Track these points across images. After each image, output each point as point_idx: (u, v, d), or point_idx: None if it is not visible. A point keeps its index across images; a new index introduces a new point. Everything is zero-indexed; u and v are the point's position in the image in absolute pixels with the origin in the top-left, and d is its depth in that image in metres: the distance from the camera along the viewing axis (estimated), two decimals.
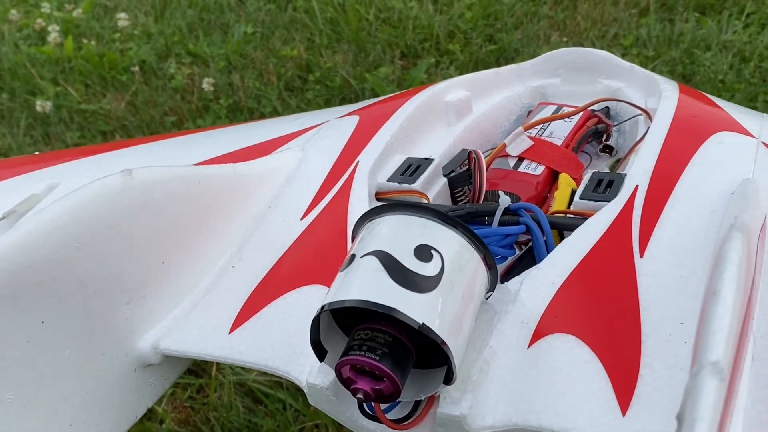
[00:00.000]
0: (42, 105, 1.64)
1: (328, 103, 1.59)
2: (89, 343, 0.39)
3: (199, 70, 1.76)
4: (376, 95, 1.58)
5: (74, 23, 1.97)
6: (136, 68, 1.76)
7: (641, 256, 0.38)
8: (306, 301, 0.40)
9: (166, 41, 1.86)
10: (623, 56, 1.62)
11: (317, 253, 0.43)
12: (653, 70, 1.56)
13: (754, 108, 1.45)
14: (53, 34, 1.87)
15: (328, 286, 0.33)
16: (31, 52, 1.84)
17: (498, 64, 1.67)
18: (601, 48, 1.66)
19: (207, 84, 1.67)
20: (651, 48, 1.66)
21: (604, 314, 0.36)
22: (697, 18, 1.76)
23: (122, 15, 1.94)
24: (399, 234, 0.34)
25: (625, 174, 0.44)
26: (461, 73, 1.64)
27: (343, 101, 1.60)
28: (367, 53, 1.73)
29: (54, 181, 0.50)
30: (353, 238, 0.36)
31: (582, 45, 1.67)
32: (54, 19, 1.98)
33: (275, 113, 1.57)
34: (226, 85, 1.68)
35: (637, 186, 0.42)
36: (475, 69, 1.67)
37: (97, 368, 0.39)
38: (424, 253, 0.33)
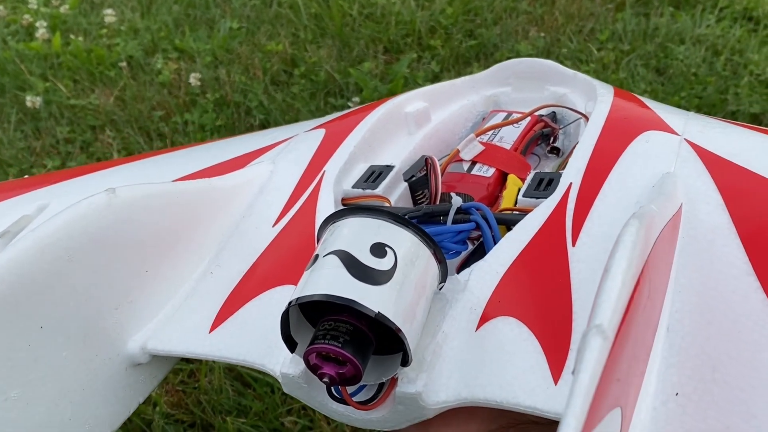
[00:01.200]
0: (32, 100, 1.65)
1: (313, 97, 1.61)
2: (84, 345, 0.42)
3: (185, 65, 1.77)
4: (360, 89, 1.61)
5: (61, 19, 1.98)
6: (124, 64, 1.77)
7: (573, 245, 0.42)
8: (278, 300, 0.44)
9: (152, 37, 1.87)
10: (599, 51, 1.66)
11: (288, 256, 0.47)
12: (628, 64, 1.61)
13: (725, 100, 1.49)
14: (41, 30, 1.87)
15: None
16: (20, 47, 1.84)
17: (478, 59, 1.71)
18: (578, 43, 1.69)
19: (194, 79, 1.68)
20: (626, 42, 1.69)
21: (540, 297, 0.40)
22: (671, 12, 1.79)
23: (109, 11, 1.95)
24: (357, 234, 0.38)
25: (562, 173, 0.48)
26: (443, 68, 1.68)
27: (328, 95, 1.63)
28: (351, 48, 1.75)
29: (44, 202, 0.53)
30: (318, 240, 0.40)
31: (559, 40, 1.70)
32: (41, 14, 1.98)
33: (261, 107, 1.59)
34: (213, 80, 1.69)
35: (570, 183, 0.46)
36: (456, 64, 1.71)
37: (92, 368, 0.43)
38: (379, 250, 0.36)
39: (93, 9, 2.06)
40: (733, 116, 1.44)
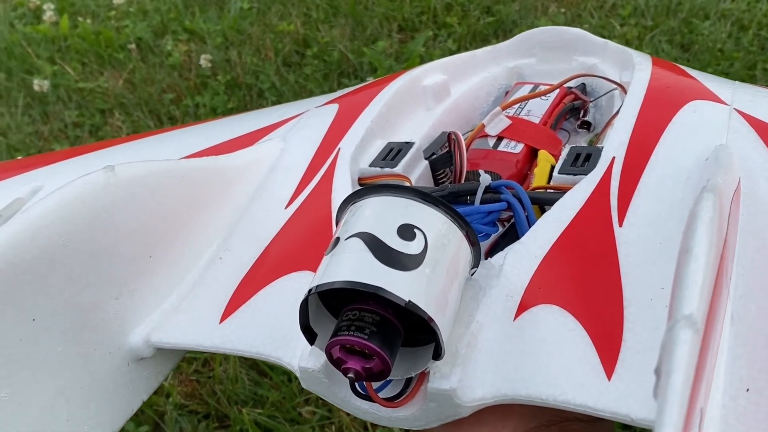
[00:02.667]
0: (39, 84, 1.63)
1: (326, 78, 1.59)
2: (81, 339, 0.39)
3: (196, 46, 1.75)
4: (374, 69, 1.58)
5: (69, 1, 1.97)
6: (133, 46, 1.75)
7: (620, 225, 0.39)
8: (294, 288, 0.41)
9: (162, 18, 1.85)
10: (621, 26, 1.62)
11: (303, 240, 0.44)
12: (651, 40, 1.56)
13: (753, 76, 1.44)
14: (48, 13, 1.86)
15: (315, 271, 0.34)
16: (27, 31, 1.83)
17: (496, 36, 1.67)
18: (599, 19, 1.65)
19: (204, 60, 1.66)
20: (649, 18, 1.65)
21: (586, 283, 0.36)
22: None
23: None
24: (382, 215, 0.34)
25: (602, 147, 0.44)
26: (459, 46, 1.63)
27: (341, 76, 1.60)
28: (364, 27, 1.72)
29: (38, 184, 0.50)
30: (337, 222, 0.36)
31: (580, 16, 1.66)
32: None
33: (273, 89, 1.57)
34: (224, 62, 1.67)
35: (613, 158, 0.42)
36: (473, 41, 1.67)
37: (90, 364, 0.39)
38: (407, 232, 0.33)
39: None
40: None
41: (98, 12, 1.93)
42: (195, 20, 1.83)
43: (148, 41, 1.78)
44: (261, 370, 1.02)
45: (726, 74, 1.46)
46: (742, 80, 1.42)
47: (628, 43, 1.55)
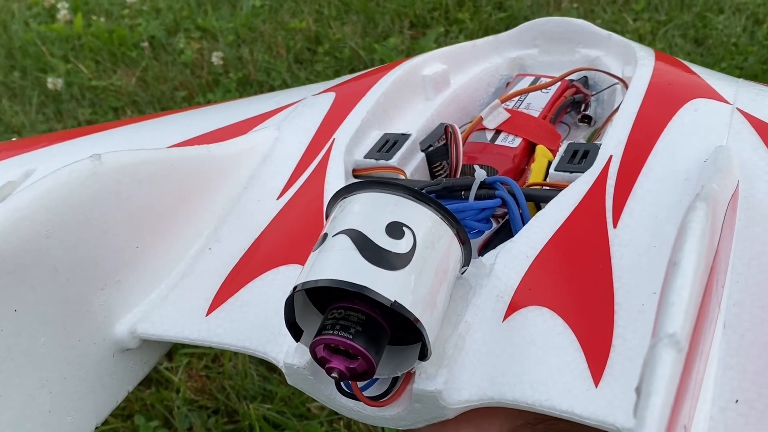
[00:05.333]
0: (53, 82, 1.65)
1: (337, 75, 1.58)
2: (65, 329, 0.38)
3: (208, 44, 1.76)
4: None
5: (83, 0, 1.97)
6: (146, 44, 1.76)
7: (615, 226, 0.38)
8: (283, 281, 0.40)
9: (174, 16, 1.85)
10: (634, 21, 1.60)
11: (294, 232, 0.43)
12: (665, 34, 1.54)
13: (767, 71, 1.42)
14: (62, 12, 1.87)
15: (304, 265, 0.33)
16: (41, 29, 1.85)
17: None
18: (612, 14, 1.63)
19: (216, 58, 1.67)
20: (663, 12, 1.63)
21: (577, 286, 0.36)
22: None
23: None
24: (370, 212, 0.33)
25: (600, 144, 0.43)
26: None
27: (353, 72, 1.59)
28: (375, 24, 1.72)
29: (30, 167, 0.49)
30: (327, 217, 0.36)
31: (593, 11, 1.65)
32: None
33: (285, 86, 1.57)
34: (236, 59, 1.68)
35: (611, 156, 0.42)
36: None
37: (74, 355, 0.39)
38: (395, 230, 0.32)
39: None
40: None
41: (112, 10, 1.94)
42: (207, 18, 1.83)
43: (160, 39, 1.79)
44: (270, 365, 1.02)
45: (740, 69, 1.45)
46: (756, 75, 1.41)
47: (641, 38, 1.53)
